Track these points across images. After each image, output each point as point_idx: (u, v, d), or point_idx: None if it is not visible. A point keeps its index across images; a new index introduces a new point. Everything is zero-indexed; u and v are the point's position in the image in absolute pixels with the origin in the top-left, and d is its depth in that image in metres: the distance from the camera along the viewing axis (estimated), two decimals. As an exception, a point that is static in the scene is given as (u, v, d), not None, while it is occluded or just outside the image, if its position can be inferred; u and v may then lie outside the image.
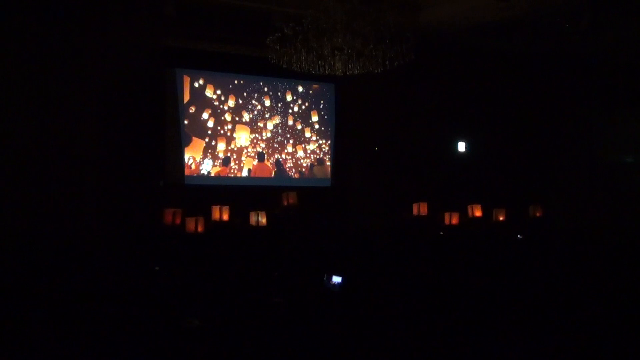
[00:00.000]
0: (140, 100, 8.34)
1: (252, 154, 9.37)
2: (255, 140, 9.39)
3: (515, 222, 8.58)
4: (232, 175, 9.17)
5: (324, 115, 9.92)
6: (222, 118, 9.16)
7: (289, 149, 9.63)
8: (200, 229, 7.25)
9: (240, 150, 9.26)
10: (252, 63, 8.83)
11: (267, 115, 9.49)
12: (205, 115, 9.03)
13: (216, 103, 9.13)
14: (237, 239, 7.48)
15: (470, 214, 8.53)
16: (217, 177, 9.06)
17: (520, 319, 4.80)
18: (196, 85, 9.01)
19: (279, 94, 9.59)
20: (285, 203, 8.08)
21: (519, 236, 8.20)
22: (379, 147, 10.05)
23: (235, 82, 9.30)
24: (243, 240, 7.48)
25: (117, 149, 8.17)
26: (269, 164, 9.48)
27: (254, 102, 9.40)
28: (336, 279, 5.20)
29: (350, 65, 6.96)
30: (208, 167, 9.00)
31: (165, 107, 8.72)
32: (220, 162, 9.10)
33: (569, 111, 11.10)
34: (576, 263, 6.87)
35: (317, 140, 9.85)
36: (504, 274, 6.45)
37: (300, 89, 9.76)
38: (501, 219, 8.43)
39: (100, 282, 5.42)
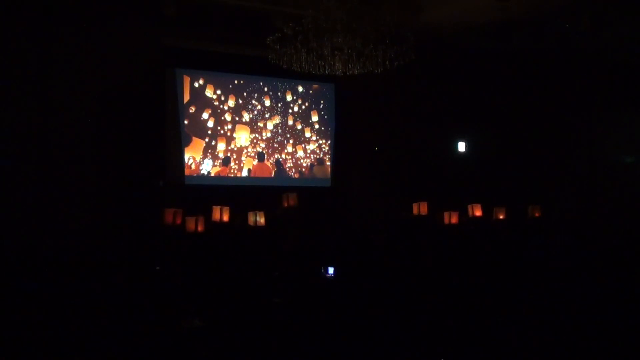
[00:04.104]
0: (140, 100, 8.35)
1: (252, 154, 9.37)
2: (255, 140, 9.39)
3: (515, 222, 8.59)
4: (232, 175, 9.17)
5: (324, 115, 9.92)
6: (222, 118, 9.16)
7: (289, 149, 9.63)
8: (200, 228, 7.25)
9: (240, 150, 9.26)
10: (252, 63, 8.83)
11: (267, 115, 9.49)
12: (205, 115, 9.03)
13: (216, 103, 9.13)
14: (237, 239, 7.48)
15: (470, 213, 8.53)
16: (217, 177, 9.06)
17: (519, 319, 4.80)
18: (196, 85, 9.01)
19: (279, 94, 9.59)
20: (286, 204, 8.08)
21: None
22: (379, 147, 10.05)
23: (235, 82, 9.30)
24: (243, 240, 7.48)
25: (117, 149, 8.17)
26: (269, 164, 9.48)
27: (254, 102, 9.40)
28: (330, 270, 6.05)
29: (350, 65, 6.95)
30: (208, 167, 9.00)
31: (165, 107, 8.71)
32: (220, 162, 9.10)
33: (569, 111, 11.10)
34: (576, 263, 6.87)
35: (317, 140, 9.85)
36: (503, 273, 6.45)
37: (300, 89, 9.76)
38: (501, 217, 8.43)
39: (100, 282, 5.42)
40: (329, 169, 9.91)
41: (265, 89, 9.49)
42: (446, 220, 8.40)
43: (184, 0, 8.07)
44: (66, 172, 7.84)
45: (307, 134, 9.78)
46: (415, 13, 8.52)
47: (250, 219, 7.63)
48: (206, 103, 9.06)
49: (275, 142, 9.55)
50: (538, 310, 5.01)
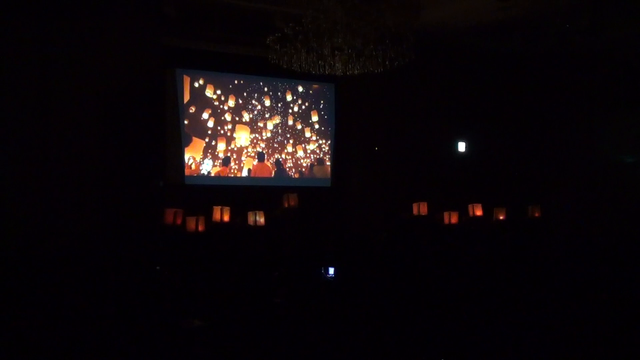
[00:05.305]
0: (140, 100, 8.33)
1: (252, 154, 9.37)
2: (255, 140, 9.39)
3: (515, 222, 8.59)
4: (232, 175, 9.17)
5: (324, 115, 9.92)
6: (222, 118, 9.16)
7: (289, 149, 9.63)
8: (200, 228, 7.25)
9: (240, 150, 9.26)
10: (252, 63, 8.83)
11: (267, 115, 9.49)
12: (205, 115, 9.03)
13: (216, 103, 9.13)
14: (237, 239, 7.48)
15: (470, 213, 8.53)
16: (217, 177, 9.06)
17: (519, 319, 4.81)
18: (196, 85, 9.01)
19: (279, 94, 9.59)
20: (286, 205, 8.08)
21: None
22: (379, 147, 10.05)
23: (235, 82, 9.30)
24: (243, 240, 7.48)
25: (117, 149, 8.16)
26: (269, 164, 9.48)
27: (254, 102, 9.40)
28: (330, 270, 6.10)
29: (350, 65, 6.95)
30: (208, 167, 9.00)
31: (165, 107, 8.71)
32: (220, 162, 9.10)
33: (569, 111, 11.09)
34: (575, 263, 6.88)
35: (317, 140, 9.85)
36: (502, 273, 6.46)
37: (300, 89, 9.76)
38: (501, 217, 8.43)
39: (100, 282, 5.43)
40: (329, 169, 9.91)
41: (265, 89, 9.49)
42: (446, 220, 8.40)
43: (184, 0, 8.07)
44: (66, 172, 7.83)
45: (307, 134, 9.78)
46: (415, 13, 8.52)
47: (250, 219, 7.63)
48: (206, 103, 9.06)
49: (275, 142, 9.55)
50: (538, 310, 5.02)
